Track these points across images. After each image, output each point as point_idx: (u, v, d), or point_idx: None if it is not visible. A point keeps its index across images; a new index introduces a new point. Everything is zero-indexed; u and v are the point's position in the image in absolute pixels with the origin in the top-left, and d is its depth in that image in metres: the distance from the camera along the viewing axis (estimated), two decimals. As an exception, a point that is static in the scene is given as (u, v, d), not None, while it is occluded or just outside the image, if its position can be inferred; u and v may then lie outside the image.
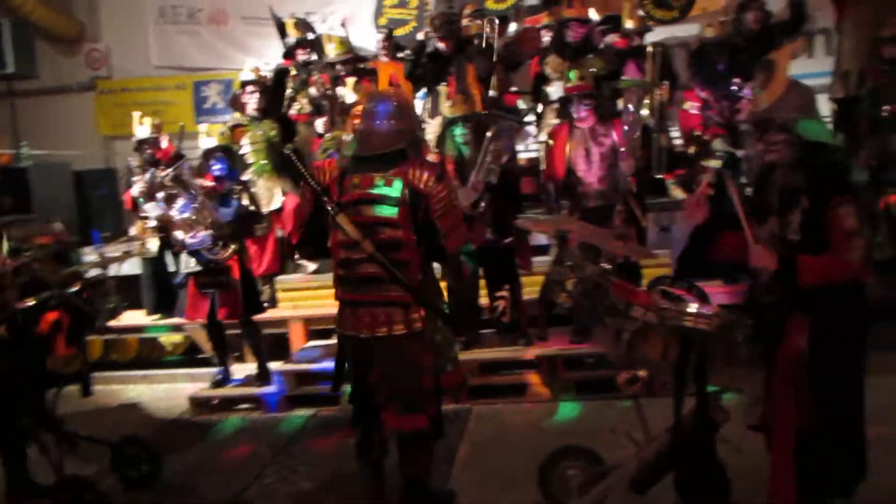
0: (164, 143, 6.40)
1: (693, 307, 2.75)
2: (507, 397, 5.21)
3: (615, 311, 2.84)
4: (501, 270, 5.29)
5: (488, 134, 5.02)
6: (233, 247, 5.32)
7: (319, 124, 6.16)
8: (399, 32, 8.01)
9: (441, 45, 6.26)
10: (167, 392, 6.22)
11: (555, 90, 6.27)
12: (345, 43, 6.65)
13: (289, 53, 7.11)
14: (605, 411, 4.60)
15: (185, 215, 5.19)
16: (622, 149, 5.05)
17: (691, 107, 5.93)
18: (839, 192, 2.73)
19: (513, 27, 7.16)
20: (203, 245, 5.18)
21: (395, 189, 3.10)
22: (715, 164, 5.38)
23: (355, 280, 3.17)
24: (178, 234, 5.27)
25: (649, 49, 6.10)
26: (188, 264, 5.39)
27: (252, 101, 6.46)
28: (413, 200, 3.10)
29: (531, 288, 5.39)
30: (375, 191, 3.11)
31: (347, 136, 5.41)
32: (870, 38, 5.89)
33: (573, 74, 5.18)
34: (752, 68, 5.34)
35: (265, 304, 6.05)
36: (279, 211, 6.47)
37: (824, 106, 6.63)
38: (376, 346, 3.16)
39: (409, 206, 3.10)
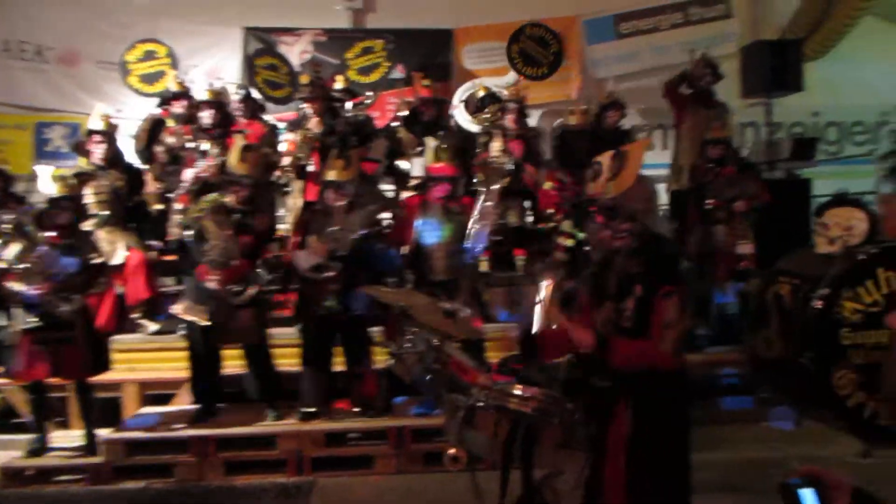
0: None
1: (517, 389, 2.77)
2: (354, 469, 5.09)
3: (456, 387, 2.87)
4: (354, 340, 5.26)
5: (339, 203, 5.06)
6: (78, 300, 4.96)
7: (189, 175, 5.93)
8: (277, 95, 8.19)
9: (310, 109, 6.33)
10: (-29, 462, 5.57)
11: (408, 165, 6.49)
12: (217, 93, 6.57)
13: (164, 103, 6.93)
14: (453, 484, 4.59)
15: (26, 265, 4.81)
16: (476, 226, 5.22)
17: (550, 187, 6.31)
18: (667, 283, 2.92)
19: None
20: (44, 297, 4.80)
21: None
22: (568, 242, 5.70)
23: None
24: (14, 286, 4.84)
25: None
26: (24, 319, 4.94)
27: (99, 150, 6.16)
28: None
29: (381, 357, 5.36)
30: None
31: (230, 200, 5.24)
32: (701, 138, 6.52)
33: (438, 155, 5.37)
34: None
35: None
36: (120, 266, 6.10)
37: (662, 196, 7.29)
38: None
39: None
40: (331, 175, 5.28)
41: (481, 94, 7.24)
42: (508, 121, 6.80)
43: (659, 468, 2.85)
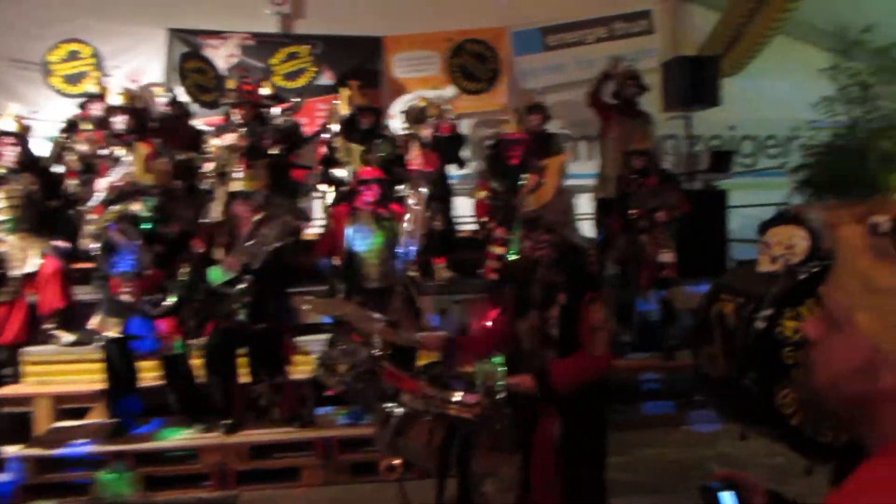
0: None
1: (457, 395, 2.83)
2: (280, 482, 5.00)
3: (386, 397, 2.88)
4: (264, 355, 5.15)
5: (257, 217, 4.97)
6: None
7: (103, 185, 5.72)
8: (205, 98, 8.15)
9: (239, 114, 6.26)
10: None
11: (344, 173, 6.47)
12: (132, 96, 6.37)
13: (83, 105, 6.70)
14: (381, 494, 4.57)
15: None
16: (406, 229, 5.23)
17: (484, 196, 6.39)
18: (590, 290, 3.04)
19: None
20: None
21: None
22: (500, 250, 5.77)
23: None
24: None
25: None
26: None
27: (10, 153, 5.88)
28: None
29: (304, 367, 5.31)
30: None
31: (139, 209, 5.06)
32: (625, 149, 6.70)
33: (366, 160, 5.35)
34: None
35: (6, 378, 5.38)
36: (33, 275, 5.83)
37: (588, 204, 7.47)
38: None
39: None
40: (237, 186, 5.15)
41: (422, 105, 7.29)
42: (425, 132, 6.86)
43: (587, 468, 2.95)
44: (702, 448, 5.29)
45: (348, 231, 5.23)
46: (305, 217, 6.40)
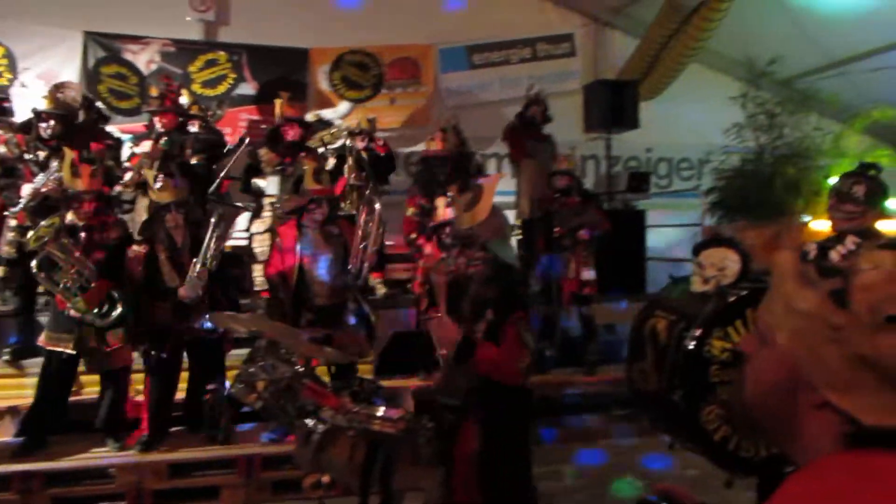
0: None
1: (380, 410, 2.83)
2: (199, 501, 4.84)
3: (306, 413, 2.86)
4: (210, 361, 5.04)
5: (213, 220, 4.86)
6: None
7: (27, 190, 5.43)
8: (124, 105, 7.97)
9: (161, 122, 6.10)
10: None
11: (267, 184, 6.37)
12: (57, 101, 6.09)
13: None
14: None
15: None
16: (362, 245, 5.21)
17: (413, 213, 6.41)
18: (517, 308, 3.12)
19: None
20: None
21: None
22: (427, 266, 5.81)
23: None
24: None
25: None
26: None
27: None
28: None
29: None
30: None
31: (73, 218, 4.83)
32: (543, 170, 6.85)
33: (318, 176, 5.30)
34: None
35: None
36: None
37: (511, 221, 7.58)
38: None
39: None
40: (164, 197, 4.99)
41: (313, 120, 7.34)
42: (360, 144, 6.88)
43: (509, 480, 3.00)
44: (622, 460, 5.44)
45: (297, 248, 5.15)
46: (242, 208, 6.28)
